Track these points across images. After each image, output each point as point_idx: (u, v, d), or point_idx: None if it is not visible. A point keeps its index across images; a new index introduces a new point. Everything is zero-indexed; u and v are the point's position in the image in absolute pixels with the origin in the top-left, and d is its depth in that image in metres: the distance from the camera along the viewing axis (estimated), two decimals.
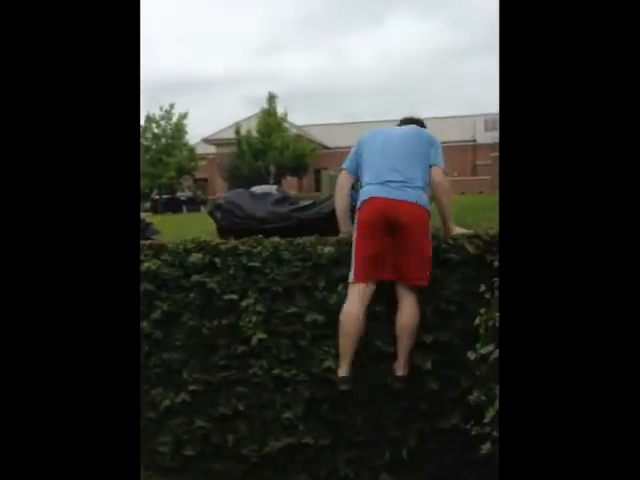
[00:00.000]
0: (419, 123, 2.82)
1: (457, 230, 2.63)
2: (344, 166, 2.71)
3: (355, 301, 2.45)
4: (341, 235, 2.67)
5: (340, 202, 2.67)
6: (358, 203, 2.51)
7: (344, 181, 2.68)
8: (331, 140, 36.31)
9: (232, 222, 2.86)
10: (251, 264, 2.68)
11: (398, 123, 2.88)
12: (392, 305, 2.50)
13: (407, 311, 2.45)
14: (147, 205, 27.97)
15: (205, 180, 37.12)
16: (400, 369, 2.48)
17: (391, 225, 2.41)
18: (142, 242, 2.87)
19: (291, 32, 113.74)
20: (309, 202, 3.00)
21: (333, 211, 2.66)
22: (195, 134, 35.28)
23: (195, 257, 2.74)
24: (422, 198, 2.46)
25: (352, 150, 2.71)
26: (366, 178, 2.55)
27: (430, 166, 2.54)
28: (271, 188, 3.90)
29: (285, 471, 2.72)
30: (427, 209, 2.47)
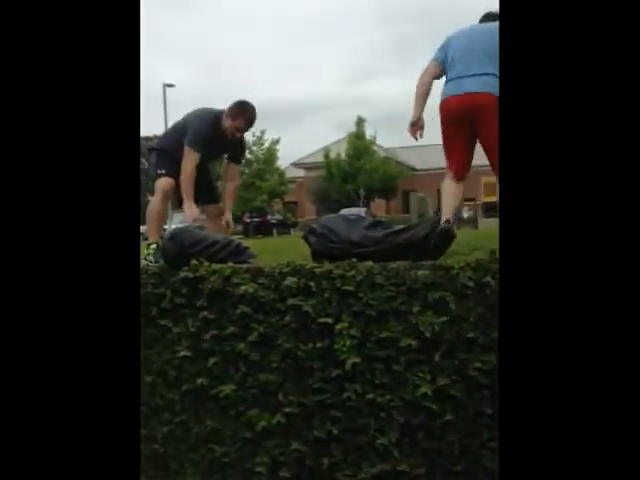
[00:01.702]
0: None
1: None
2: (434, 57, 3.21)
3: None
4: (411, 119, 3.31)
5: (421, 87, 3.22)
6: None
7: (431, 69, 3.19)
8: (419, 162, 36.11)
9: (326, 246, 2.91)
10: (345, 288, 2.71)
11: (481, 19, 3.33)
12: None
13: None
14: (239, 228, 28.91)
15: (294, 203, 37.91)
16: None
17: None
18: (239, 266, 2.97)
19: (384, 57, 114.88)
20: (402, 226, 3.00)
21: (427, 235, 2.66)
22: (284, 158, 36.19)
23: (290, 280, 2.80)
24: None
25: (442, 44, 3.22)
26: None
27: None
28: (360, 210, 3.98)
29: None
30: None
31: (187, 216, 3.72)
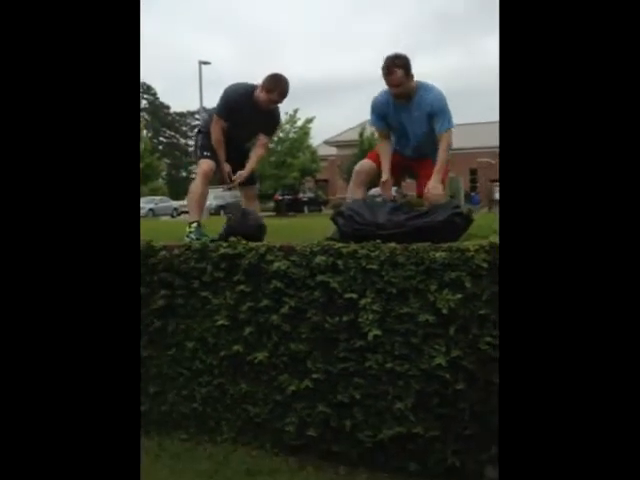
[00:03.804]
0: None
1: None
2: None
3: None
4: None
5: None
6: None
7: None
8: (456, 141, 35.68)
9: (352, 228, 3.15)
10: (369, 266, 2.95)
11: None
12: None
13: None
14: (270, 205, 29.14)
15: (326, 181, 37.95)
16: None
17: None
18: (273, 244, 3.23)
19: (423, 34, 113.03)
20: (424, 210, 3.22)
21: (444, 220, 2.88)
22: (319, 136, 36.22)
23: (320, 259, 3.05)
24: None
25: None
26: None
27: None
28: (376, 191, 4.17)
29: (396, 457, 2.96)
30: None
31: (223, 173, 4.02)
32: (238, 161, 4.18)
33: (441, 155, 3.62)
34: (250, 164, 4.19)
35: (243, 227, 3.59)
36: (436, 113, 3.59)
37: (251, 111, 3.97)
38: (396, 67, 3.48)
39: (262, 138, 4.24)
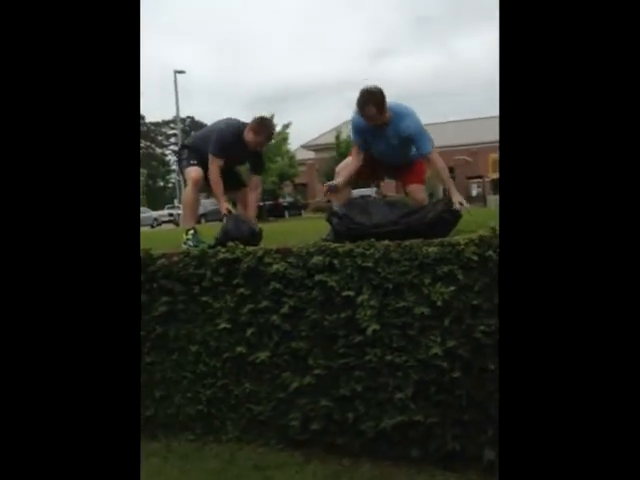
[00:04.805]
0: None
1: None
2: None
3: None
4: None
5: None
6: None
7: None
8: (433, 139, 36.06)
9: (347, 227, 3.28)
10: (365, 264, 3.07)
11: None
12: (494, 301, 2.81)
13: None
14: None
15: (304, 185, 38.02)
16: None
17: None
18: (270, 247, 3.34)
19: (400, 35, 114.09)
20: (415, 208, 3.36)
21: (435, 217, 3.03)
22: (295, 140, 36.41)
23: (316, 259, 3.16)
24: None
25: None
26: None
27: None
28: (371, 191, 4.32)
29: (398, 445, 3.08)
30: None
31: (222, 211, 4.13)
32: (230, 183, 4.36)
33: (444, 175, 3.81)
34: (250, 211, 4.42)
35: (238, 232, 3.71)
36: (415, 138, 3.76)
37: (240, 148, 4.19)
38: (370, 103, 3.63)
39: (254, 180, 4.47)
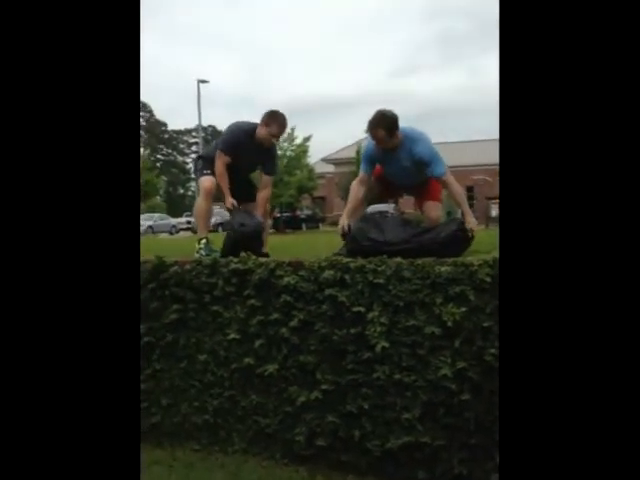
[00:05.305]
0: None
1: None
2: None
3: None
4: None
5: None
6: None
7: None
8: (452, 159, 36.18)
9: (360, 244, 3.27)
10: (376, 281, 3.06)
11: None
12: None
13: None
14: (269, 222, 29.22)
15: (323, 198, 38.13)
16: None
17: None
18: (282, 260, 3.34)
19: (425, 52, 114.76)
20: (428, 227, 3.34)
21: (447, 236, 3.01)
22: (318, 154, 36.61)
23: (328, 273, 3.15)
24: None
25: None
26: None
27: None
28: (389, 207, 4.32)
29: (405, 466, 3.04)
30: None
31: (227, 205, 4.14)
32: (243, 193, 4.36)
33: (459, 199, 3.74)
34: (261, 209, 4.37)
35: (243, 225, 3.77)
36: (427, 162, 3.71)
37: (252, 148, 4.19)
38: (379, 127, 3.62)
39: (265, 179, 4.45)
